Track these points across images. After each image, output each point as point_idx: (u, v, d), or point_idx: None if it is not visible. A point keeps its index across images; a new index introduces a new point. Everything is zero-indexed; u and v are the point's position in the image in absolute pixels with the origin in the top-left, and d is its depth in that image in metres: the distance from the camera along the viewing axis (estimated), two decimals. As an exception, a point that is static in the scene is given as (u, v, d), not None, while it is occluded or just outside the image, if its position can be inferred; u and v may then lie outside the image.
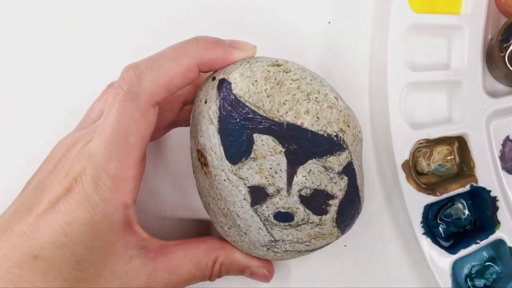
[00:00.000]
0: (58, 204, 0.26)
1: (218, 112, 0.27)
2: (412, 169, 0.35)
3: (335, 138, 0.27)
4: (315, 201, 0.28)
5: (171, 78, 0.27)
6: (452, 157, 0.36)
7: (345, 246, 0.36)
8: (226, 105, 0.27)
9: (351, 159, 0.28)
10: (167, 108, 0.30)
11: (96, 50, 0.37)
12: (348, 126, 0.28)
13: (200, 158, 0.29)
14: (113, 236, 0.27)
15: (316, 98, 0.27)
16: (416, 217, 0.34)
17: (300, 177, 0.27)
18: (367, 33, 0.37)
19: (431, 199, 0.34)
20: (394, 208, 0.36)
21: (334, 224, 0.29)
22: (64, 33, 0.37)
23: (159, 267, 0.29)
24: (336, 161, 0.27)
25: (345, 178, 0.28)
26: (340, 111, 0.28)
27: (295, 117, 0.27)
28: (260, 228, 0.29)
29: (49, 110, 0.36)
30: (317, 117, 0.27)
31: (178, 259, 0.29)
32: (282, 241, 0.29)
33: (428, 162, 0.36)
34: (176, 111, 0.32)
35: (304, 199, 0.28)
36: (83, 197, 0.26)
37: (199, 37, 0.28)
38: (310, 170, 0.27)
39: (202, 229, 0.36)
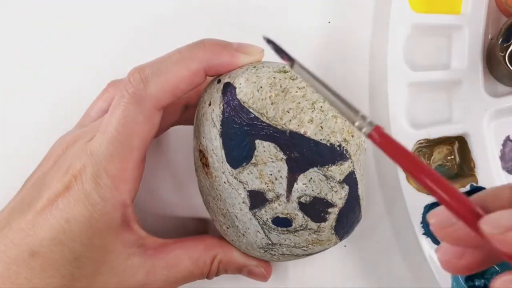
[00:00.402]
0: (57, 201, 0.26)
1: (221, 115, 0.27)
2: (412, 169, 0.35)
3: (338, 148, 0.27)
4: (314, 208, 0.28)
5: (177, 83, 0.27)
6: (452, 157, 0.36)
7: (345, 246, 0.36)
8: (230, 110, 0.27)
9: (354, 168, 0.28)
10: (168, 110, 0.30)
11: (96, 50, 0.37)
12: (352, 136, 0.27)
13: (202, 159, 0.29)
14: (111, 235, 0.27)
15: (321, 107, 0.27)
16: (416, 217, 0.34)
17: (301, 184, 0.27)
18: (367, 33, 0.37)
19: (431, 199, 0.34)
20: (394, 208, 0.36)
21: (333, 231, 0.29)
22: (64, 33, 0.37)
23: (157, 264, 0.29)
24: (338, 171, 0.27)
25: (346, 187, 0.28)
26: (345, 120, 0.27)
27: (298, 125, 0.26)
28: (258, 231, 0.29)
29: (49, 110, 0.36)
30: (321, 127, 0.27)
31: (177, 256, 0.29)
32: (280, 245, 0.29)
33: (428, 162, 0.36)
34: (177, 114, 0.32)
35: (303, 206, 0.28)
36: (83, 195, 0.26)
37: (206, 41, 0.28)
38: (311, 178, 0.27)
39: (201, 228, 0.36)
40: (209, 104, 0.28)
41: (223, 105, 0.27)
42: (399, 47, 0.34)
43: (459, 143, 0.36)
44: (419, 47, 0.36)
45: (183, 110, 0.32)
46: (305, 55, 0.36)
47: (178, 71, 0.27)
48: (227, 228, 0.30)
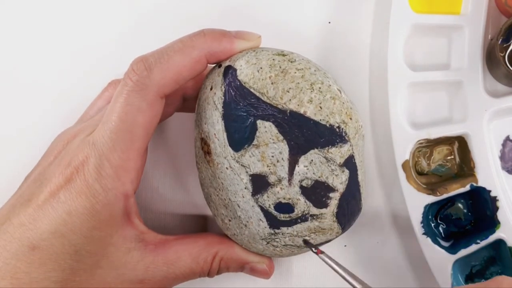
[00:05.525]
0: (58, 193, 0.26)
1: (223, 97, 0.28)
2: (412, 169, 0.35)
3: (337, 129, 0.27)
4: (316, 193, 0.28)
5: (180, 70, 0.28)
6: (452, 157, 0.36)
7: (345, 246, 0.36)
8: (231, 91, 0.28)
9: (353, 152, 0.28)
10: (167, 102, 0.30)
11: (96, 49, 0.37)
12: (351, 119, 0.28)
13: (204, 147, 0.29)
14: (112, 227, 0.27)
15: (320, 88, 0.28)
16: (416, 217, 0.34)
17: (302, 167, 0.27)
18: (367, 33, 0.37)
19: (431, 199, 0.34)
20: (394, 208, 0.36)
21: (334, 218, 0.29)
22: (63, 32, 0.37)
23: (157, 260, 0.29)
24: (338, 153, 0.28)
25: (346, 172, 0.28)
26: (343, 103, 0.28)
27: (298, 105, 0.27)
28: (260, 220, 0.29)
29: (49, 109, 0.36)
30: (320, 107, 0.27)
31: (177, 252, 0.29)
32: (282, 234, 0.29)
33: (428, 162, 0.36)
34: (176, 105, 0.32)
35: (305, 190, 0.28)
36: (85, 186, 0.26)
37: (205, 30, 0.29)
38: (312, 160, 0.27)
39: (202, 226, 0.36)
40: (211, 89, 0.29)
41: (224, 87, 0.28)
42: (399, 47, 0.34)
43: (459, 143, 0.36)
44: (419, 47, 0.36)
45: (182, 101, 0.32)
46: (305, 55, 0.36)
47: (180, 59, 0.28)
48: (229, 220, 0.30)
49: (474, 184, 0.34)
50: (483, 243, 0.34)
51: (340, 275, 0.27)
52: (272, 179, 0.28)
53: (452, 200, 0.36)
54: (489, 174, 0.35)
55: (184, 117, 0.35)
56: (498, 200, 0.34)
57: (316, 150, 0.27)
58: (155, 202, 0.36)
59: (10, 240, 0.26)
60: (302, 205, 0.28)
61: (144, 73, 0.27)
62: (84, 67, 0.36)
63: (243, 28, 0.30)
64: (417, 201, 0.34)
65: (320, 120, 0.27)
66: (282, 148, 0.27)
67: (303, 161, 0.27)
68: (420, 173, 0.36)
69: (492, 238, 0.34)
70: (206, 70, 0.30)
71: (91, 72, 0.36)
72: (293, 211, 0.29)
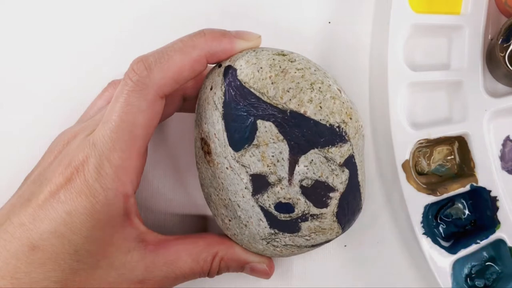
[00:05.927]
0: (58, 193, 0.26)
1: (223, 97, 0.28)
2: (413, 169, 0.35)
3: (337, 129, 0.27)
4: (316, 192, 0.28)
5: (180, 70, 0.28)
6: (452, 157, 0.36)
7: (345, 246, 0.36)
8: (231, 91, 0.28)
9: (353, 152, 0.28)
10: (167, 102, 0.30)
11: (96, 50, 0.37)
12: (351, 119, 0.28)
13: (204, 147, 0.29)
14: (112, 227, 0.27)
15: (320, 88, 0.27)
16: (416, 217, 0.34)
17: (302, 166, 0.27)
18: (367, 33, 0.37)
19: (431, 199, 0.34)
20: (394, 208, 0.36)
21: (335, 218, 0.29)
22: (64, 32, 0.37)
23: (157, 260, 0.29)
24: (338, 153, 0.28)
25: (346, 171, 0.28)
26: (343, 103, 0.28)
27: (298, 105, 0.27)
28: (261, 219, 0.29)
29: (50, 109, 0.36)
30: (320, 107, 0.27)
31: (177, 252, 0.29)
32: (282, 233, 0.29)
33: (428, 162, 0.36)
34: (176, 105, 0.32)
35: (305, 190, 0.28)
36: (85, 186, 0.26)
37: (206, 30, 0.29)
38: (312, 160, 0.27)
39: (202, 226, 0.36)
40: (211, 88, 0.29)
41: (224, 87, 0.28)
42: (399, 47, 0.34)
43: (459, 143, 0.36)
44: (419, 47, 0.36)
45: (182, 102, 0.32)
46: (305, 55, 0.36)
47: (180, 59, 0.27)
48: (229, 220, 0.30)
49: (474, 184, 0.35)
50: (483, 243, 0.34)
51: None
52: (272, 179, 0.28)
53: (452, 200, 0.36)
54: (489, 174, 0.35)
55: (184, 117, 0.35)
56: (498, 200, 0.34)
57: (316, 150, 0.27)
58: (155, 202, 0.36)
59: (10, 240, 0.26)
60: (302, 205, 0.28)
61: (144, 73, 0.27)
62: (84, 67, 0.36)
63: (243, 28, 0.30)
64: (417, 201, 0.34)
65: (320, 120, 0.27)
66: (282, 148, 0.27)
67: (303, 161, 0.27)
68: (420, 173, 0.36)
69: (492, 238, 0.34)
70: (206, 70, 0.30)
71: (91, 72, 0.36)
72: (293, 211, 0.28)
